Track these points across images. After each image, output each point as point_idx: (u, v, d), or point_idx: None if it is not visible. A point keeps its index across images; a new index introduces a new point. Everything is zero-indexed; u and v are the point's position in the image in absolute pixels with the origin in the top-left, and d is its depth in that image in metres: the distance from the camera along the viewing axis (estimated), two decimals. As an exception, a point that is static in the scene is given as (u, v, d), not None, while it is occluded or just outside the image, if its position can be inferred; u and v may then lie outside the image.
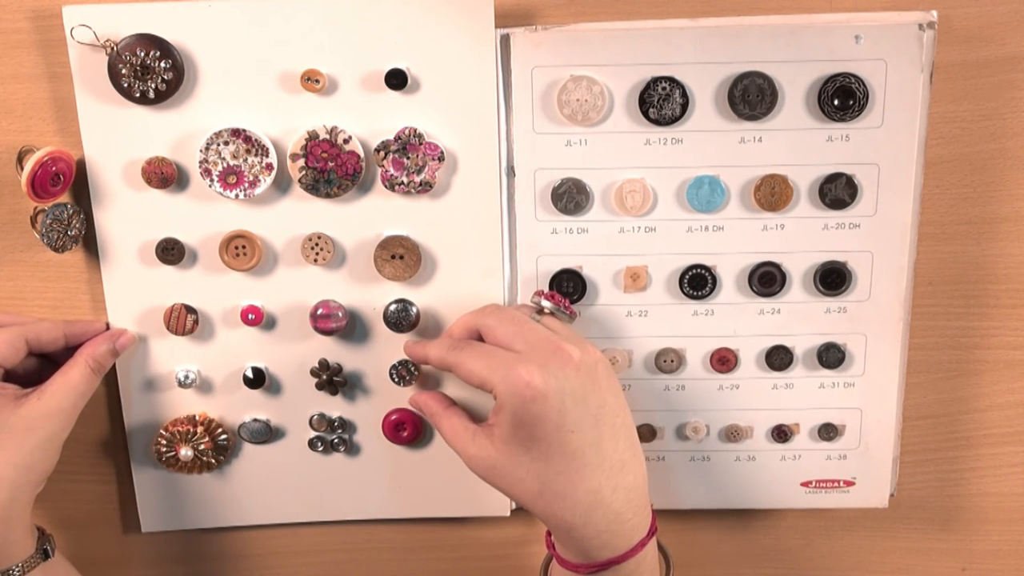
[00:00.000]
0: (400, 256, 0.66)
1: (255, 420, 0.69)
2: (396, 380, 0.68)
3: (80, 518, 0.74)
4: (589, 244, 0.66)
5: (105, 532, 0.74)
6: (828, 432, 0.70)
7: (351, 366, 0.69)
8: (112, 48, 0.61)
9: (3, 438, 0.59)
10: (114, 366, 0.68)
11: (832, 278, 0.66)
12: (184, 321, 0.67)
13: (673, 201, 0.66)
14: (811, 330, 0.68)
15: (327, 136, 0.63)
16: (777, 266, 0.67)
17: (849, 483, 0.71)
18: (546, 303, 0.63)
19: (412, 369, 0.67)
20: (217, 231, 0.66)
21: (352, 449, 0.71)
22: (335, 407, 0.70)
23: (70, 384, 0.62)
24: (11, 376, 0.63)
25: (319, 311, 0.66)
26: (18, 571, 0.60)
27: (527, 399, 0.55)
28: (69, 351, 0.65)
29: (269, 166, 0.64)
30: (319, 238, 0.66)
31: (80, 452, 0.72)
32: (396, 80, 0.62)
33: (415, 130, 0.63)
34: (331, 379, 0.68)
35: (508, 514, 0.72)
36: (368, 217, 0.66)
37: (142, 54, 0.61)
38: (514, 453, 0.57)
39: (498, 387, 0.56)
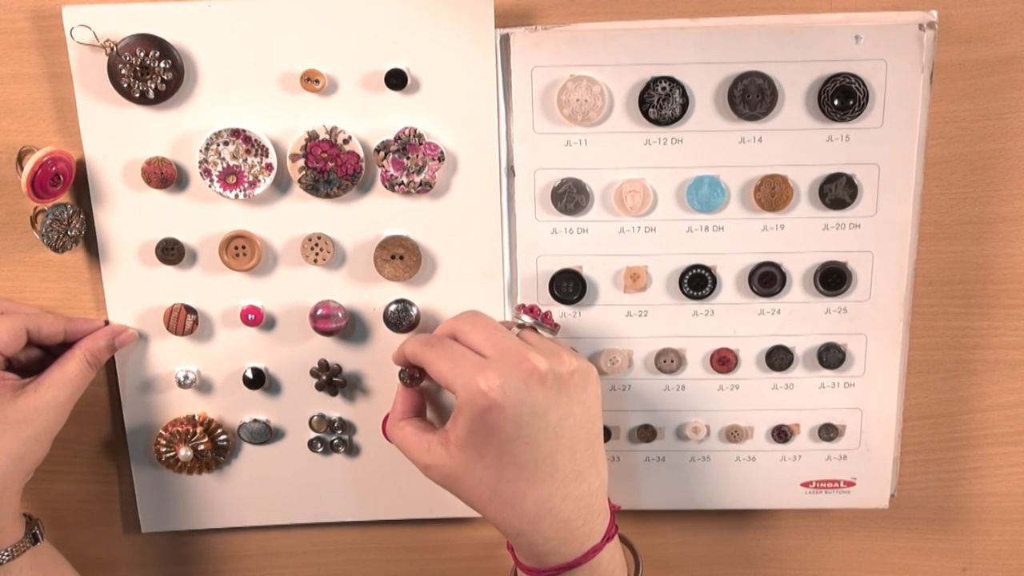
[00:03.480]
0: (400, 256, 0.66)
1: (255, 421, 0.69)
2: (408, 381, 0.64)
3: (80, 518, 0.74)
4: (589, 244, 0.66)
5: (105, 532, 0.74)
6: (828, 432, 0.70)
7: (351, 367, 0.69)
8: (112, 48, 0.61)
9: None
10: (114, 366, 0.68)
11: (832, 278, 0.66)
12: (184, 321, 0.66)
13: (673, 201, 0.66)
14: (811, 330, 0.68)
15: (327, 136, 0.63)
16: (777, 266, 0.67)
17: (849, 483, 0.71)
18: (525, 317, 0.62)
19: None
20: (217, 231, 0.66)
21: (352, 450, 0.71)
22: (335, 408, 0.70)
23: (67, 377, 0.62)
24: (9, 365, 0.64)
25: (319, 311, 0.66)
26: (7, 556, 0.61)
27: (483, 408, 0.55)
28: (66, 345, 0.65)
29: (269, 166, 0.64)
30: (319, 238, 0.66)
31: (80, 452, 0.72)
32: (396, 80, 0.62)
33: (415, 130, 0.63)
34: (331, 380, 0.68)
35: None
36: (368, 217, 0.66)
37: (142, 54, 0.61)
38: (468, 459, 0.57)
39: (459, 392, 0.56)
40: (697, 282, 0.67)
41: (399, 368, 0.64)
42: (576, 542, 0.58)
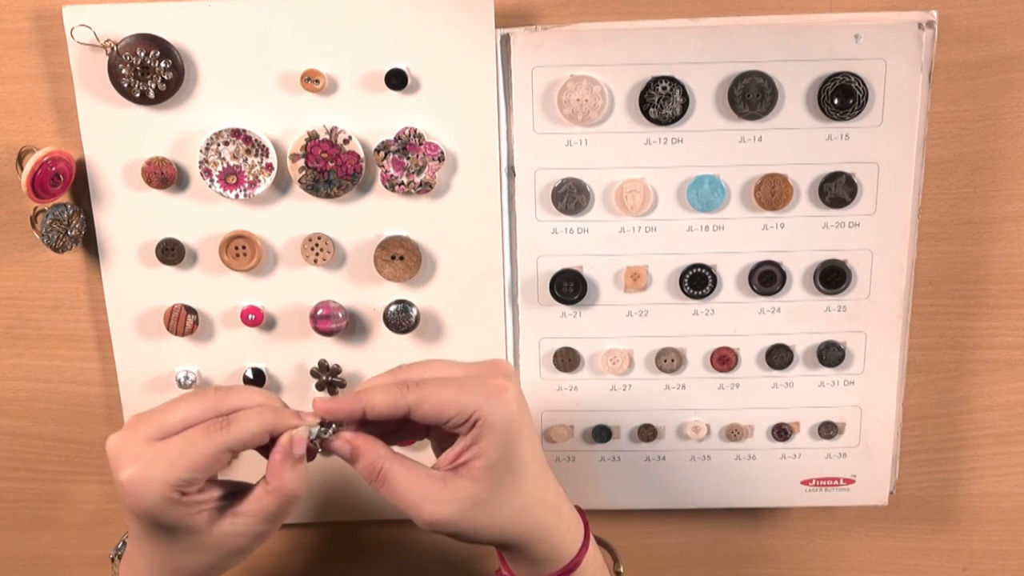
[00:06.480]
0: (400, 256, 0.66)
1: (255, 421, 0.69)
2: (320, 445, 0.54)
3: (81, 518, 0.74)
4: (589, 244, 0.66)
5: (105, 532, 0.74)
6: (828, 430, 0.70)
7: (351, 367, 0.69)
8: (112, 48, 0.61)
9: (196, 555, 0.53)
10: (114, 367, 0.68)
11: (832, 277, 0.66)
12: (184, 321, 0.66)
13: (673, 201, 0.66)
14: (811, 329, 0.68)
15: (327, 136, 0.63)
16: (777, 265, 0.67)
17: (849, 481, 0.71)
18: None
19: None
20: (217, 231, 0.66)
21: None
22: (335, 408, 0.70)
23: (263, 513, 0.53)
24: None
25: (319, 311, 0.66)
26: None
27: (515, 411, 0.52)
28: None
29: (269, 166, 0.64)
30: (319, 238, 0.66)
31: (80, 452, 0.72)
32: (396, 80, 0.62)
33: (415, 130, 0.63)
34: (331, 380, 0.68)
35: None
36: (368, 217, 0.66)
37: (142, 54, 0.61)
38: (500, 476, 0.52)
39: (483, 407, 0.51)
40: (697, 281, 0.67)
41: (317, 427, 0.52)
42: (577, 521, 0.57)
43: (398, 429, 0.55)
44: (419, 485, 0.52)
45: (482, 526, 0.53)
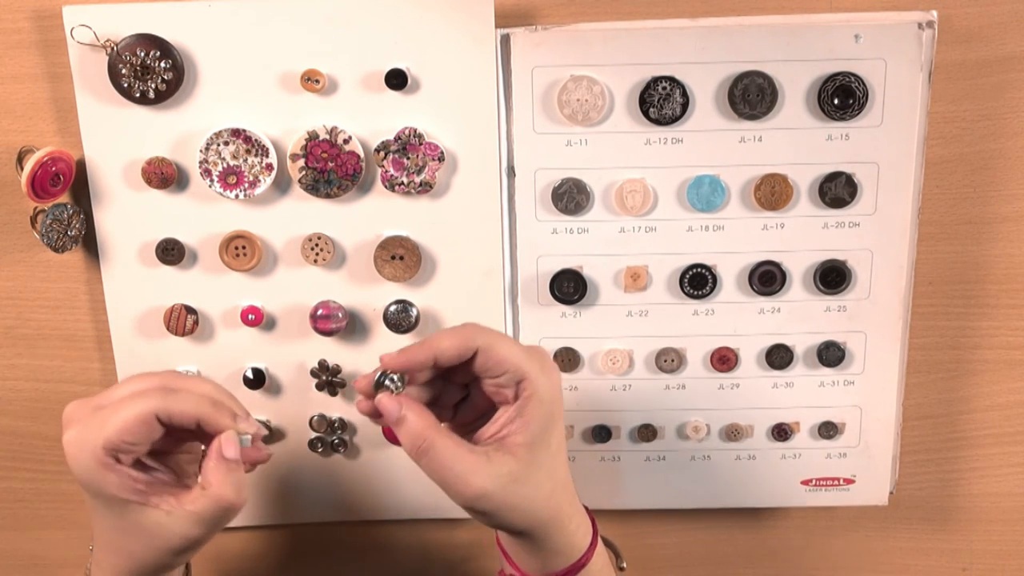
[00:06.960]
0: (400, 256, 0.66)
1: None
2: (397, 386, 0.53)
3: (80, 518, 0.73)
4: (589, 244, 0.66)
5: (105, 533, 0.74)
6: (828, 430, 0.70)
7: (351, 367, 0.69)
8: (112, 48, 0.61)
9: (129, 540, 0.53)
10: (114, 367, 0.68)
11: (832, 277, 0.66)
12: (184, 321, 0.66)
13: (673, 201, 0.66)
14: (811, 329, 0.68)
15: (327, 136, 0.63)
16: (777, 265, 0.67)
17: (849, 481, 0.71)
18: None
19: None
20: (217, 231, 0.66)
21: (352, 451, 0.71)
22: (335, 408, 0.70)
23: (199, 517, 0.52)
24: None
25: (319, 312, 0.66)
26: None
27: (559, 390, 0.54)
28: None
29: (269, 166, 0.64)
30: (319, 238, 0.66)
31: (80, 453, 0.71)
32: (396, 80, 0.62)
33: (415, 130, 0.63)
34: (331, 380, 0.68)
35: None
36: (368, 217, 0.66)
37: (142, 54, 0.61)
38: (537, 454, 0.53)
39: (537, 377, 0.52)
40: (697, 281, 0.67)
41: (386, 375, 0.52)
42: (586, 517, 0.58)
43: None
44: (465, 458, 0.51)
45: (516, 506, 0.53)
